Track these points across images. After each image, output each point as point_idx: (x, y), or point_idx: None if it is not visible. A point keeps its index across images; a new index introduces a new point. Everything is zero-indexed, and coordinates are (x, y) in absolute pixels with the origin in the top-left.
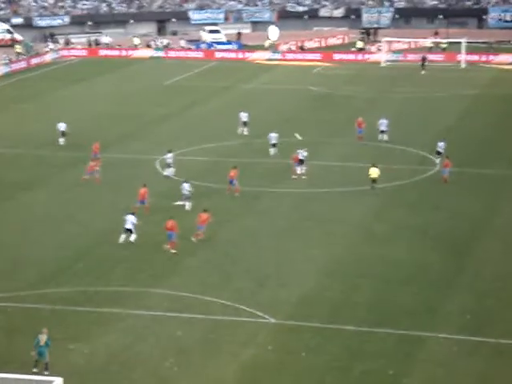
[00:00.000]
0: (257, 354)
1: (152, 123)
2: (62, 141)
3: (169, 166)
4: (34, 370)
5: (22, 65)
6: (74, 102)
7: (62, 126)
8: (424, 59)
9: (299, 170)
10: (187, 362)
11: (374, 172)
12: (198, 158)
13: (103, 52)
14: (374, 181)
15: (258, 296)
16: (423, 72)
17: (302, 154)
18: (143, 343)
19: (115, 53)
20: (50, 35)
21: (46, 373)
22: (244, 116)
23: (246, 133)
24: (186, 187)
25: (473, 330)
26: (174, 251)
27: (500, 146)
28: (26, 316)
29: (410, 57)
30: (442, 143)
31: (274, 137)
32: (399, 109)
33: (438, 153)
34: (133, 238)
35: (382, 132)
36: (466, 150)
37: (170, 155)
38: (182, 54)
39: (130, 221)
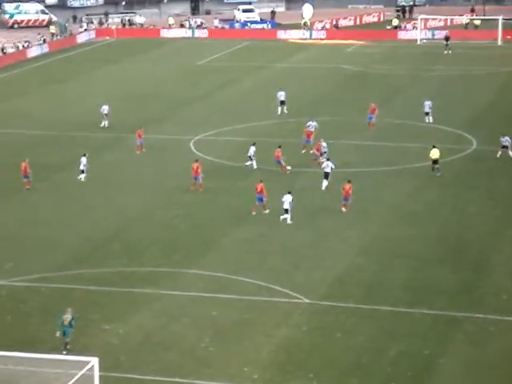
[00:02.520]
0: (291, 335)
1: (185, 104)
2: (105, 123)
3: (250, 158)
4: (64, 353)
5: (57, 45)
6: (107, 83)
7: (105, 109)
8: (447, 38)
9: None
10: (222, 343)
11: (435, 153)
12: (232, 138)
13: (137, 32)
14: (435, 162)
15: (292, 276)
16: (446, 52)
17: (323, 145)
18: (178, 323)
19: (150, 33)
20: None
21: (64, 352)
22: (281, 95)
23: (285, 111)
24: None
25: (509, 310)
26: (266, 211)
27: None
28: (61, 297)
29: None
30: (429, 102)
31: (313, 125)
32: (436, 87)
33: (426, 113)
34: (288, 218)
35: (427, 114)
36: (505, 127)
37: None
38: (215, 33)
39: (288, 201)
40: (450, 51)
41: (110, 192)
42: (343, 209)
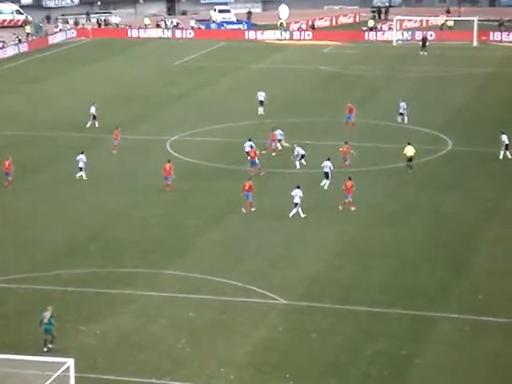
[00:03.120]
0: (268, 336)
1: (162, 104)
2: (90, 123)
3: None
4: (44, 350)
5: (32, 45)
6: (84, 83)
7: (93, 110)
8: (425, 39)
9: (298, 164)
10: (199, 343)
11: (410, 150)
12: (208, 139)
13: (113, 32)
14: (409, 159)
15: (268, 277)
16: (422, 53)
17: (298, 149)
18: (155, 324)
19: (125, 33)
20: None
21: (50, 346)
22: (261, 95)
23: (261, 112)
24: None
25: (485, 310)
26: (253, 209)
27: None
28: (38, 297)
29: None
30: (403, 103)
31: (280, 133)
32: (412, 88)
33: (401, 113)
34: (299, 211)
35: (401, 114)
36: (480, 128)
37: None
38: (191, 33)
39: (298, 195)
40: (425, 52)
41: (87, 192)
42: (352, 208)
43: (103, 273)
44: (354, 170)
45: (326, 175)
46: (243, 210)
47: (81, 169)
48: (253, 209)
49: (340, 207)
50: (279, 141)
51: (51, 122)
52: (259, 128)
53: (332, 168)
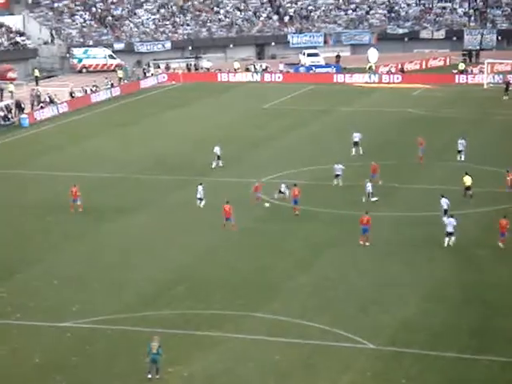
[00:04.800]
0: (356, 381)
1: (251, 146)
2: (214, 164)
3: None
4: (149, 376)
5: (123, 90)
6: (174, 126)
7: (217, 150)
8: (508, 84)
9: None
10: None
11: (468, 180)
12: (296, 181)
13: (203, 76)
14: (467, 188)
15: (357, 320)
16: (505, 98)
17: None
18: (242, 367)
19: (215, 77)
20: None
21: (157, 376)
22: (356, 136)
23: (360, 153)
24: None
25: None
26: (367, 243)
27: None
28: (126, 339)
29: None
30: (463, 141)
31: (338, 168)
32: (502, 131)
33: (459, 151)
34: (452, 240)
35: (459, 152)
36: None
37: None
38: (280, 77)
39: (452, 224)
40: (507, 97)
41: (175, 234)
42: (500, 244)
43: (191, 314)
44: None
45: (445, 211)
46: (360, 242)
47: (200, 199)
48: (367, 243)
49: (501, 244)
50: (280, 192)
51: (142, 164)
52: (347, 170)
53: (449, 204)
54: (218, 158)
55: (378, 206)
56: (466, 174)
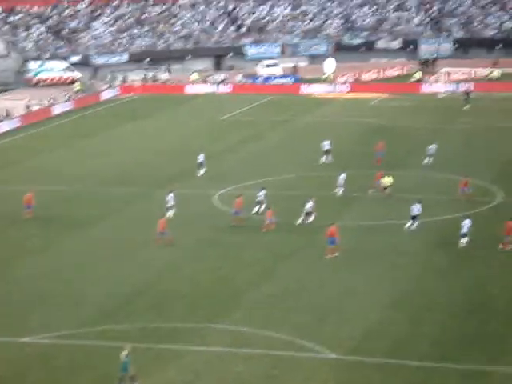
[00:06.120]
0: None
1: (209, 158)
2: (201, 172)
3: (258, 203)
4: None
5: (81, 102)
6: (133, 139)
7: (200, 158)
8: (468, 93)
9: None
10: None
11: (388, 180)
12: (256, 192)
13: (161, 88)
14: (386, 188)
15: (319, 331)
16: (467, 107)
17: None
18: (204, 380)
19: (172, 89)
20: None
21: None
22: (326, 144)
23: (329, 161)
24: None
25: None
26: (336, 254)
27: None
28: (87, 353)
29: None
30: (434, 145)
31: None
32: (459, 140)
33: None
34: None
35: (430, 156)
36: None
37: (262, 192)
38: (238, 88)
39: (467, 225)
40: (468, 106)
41: (133, 247)
42: (500, 245)
43: (151, 328)
44: (401, 222)
45: (413, 218)
46: (326, 256)
47: (168, 208)
48: (336, 254)
49: (501, 246)
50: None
51: (100, 177)
52: (302, 181)
53: (420, 211)
54: (200, 165)
55: (342, 214)
56: (387, 175)
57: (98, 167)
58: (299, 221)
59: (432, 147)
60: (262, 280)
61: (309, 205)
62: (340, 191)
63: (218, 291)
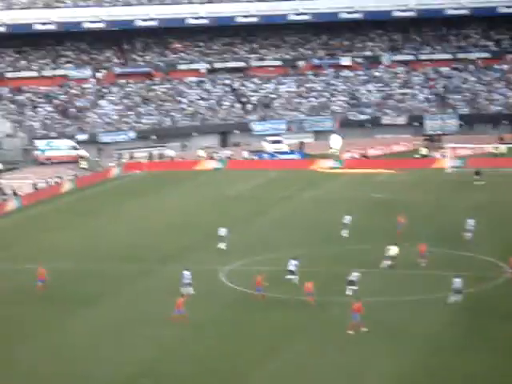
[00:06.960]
0: None
1: (215, 234)
2: (221, 245)
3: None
4: None
5: (88, 180)
6: (139, 215)
7: (222, 232)
8: (478, 173)
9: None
10: None
11: (394, 250)
12: (261, 268)
13: (167, 165)
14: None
15: None
16: (480, 182)
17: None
18: None
19: (178, 165)
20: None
21: None
22: (346, 219)
23: (345, 235)
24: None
25: None
26: (364, 329)
27: None
28: None
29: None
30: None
31: (293, 263)
32: (467, 214)
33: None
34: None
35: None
36: None
37: (294, 262)
38: (244, 164)
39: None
40: (480, 182)
41: (141, 325)
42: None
43: None
44: (409, 299)
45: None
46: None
47: (189, 284)
48: (364, 329)
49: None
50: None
51: (106, 254)
52: (309, 257)
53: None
54: (223, 237)
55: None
56: (395, 244)
57: (104, 244)
58: (347, 291)
59: (470, 221)
60: (267, 357)
61: (354, 275)
62: (387, 264)
63: (224, 369)
